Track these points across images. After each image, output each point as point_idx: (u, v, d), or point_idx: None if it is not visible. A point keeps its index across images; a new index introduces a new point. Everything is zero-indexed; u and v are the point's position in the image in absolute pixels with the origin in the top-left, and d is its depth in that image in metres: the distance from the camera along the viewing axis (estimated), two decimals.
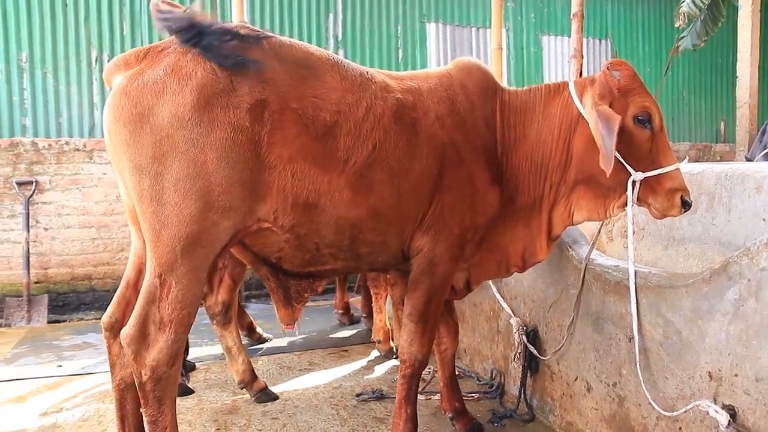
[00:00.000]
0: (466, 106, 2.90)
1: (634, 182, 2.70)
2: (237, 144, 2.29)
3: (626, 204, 2.75)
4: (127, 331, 2.41)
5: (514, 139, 2.95)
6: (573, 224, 3.00)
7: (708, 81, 11.09)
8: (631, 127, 2.70)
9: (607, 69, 2.76)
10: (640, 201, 2.77)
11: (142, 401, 2.46)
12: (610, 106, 2.68)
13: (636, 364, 2.68)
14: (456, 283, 3.16)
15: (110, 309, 2.70)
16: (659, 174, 2.71)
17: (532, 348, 3.47)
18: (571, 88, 2.87)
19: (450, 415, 3.45)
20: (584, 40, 7.07)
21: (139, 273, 2.67)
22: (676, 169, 2.73)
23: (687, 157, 3.12)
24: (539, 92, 2.99)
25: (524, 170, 2.95)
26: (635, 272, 2.75)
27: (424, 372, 4.15)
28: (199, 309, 5.03)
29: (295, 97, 2.41)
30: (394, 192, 2.65)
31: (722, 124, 11.16)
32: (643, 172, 2.69)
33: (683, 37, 9.26)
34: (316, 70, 2.51)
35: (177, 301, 2.35)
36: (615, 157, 2.59)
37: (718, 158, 10.60)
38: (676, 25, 8.57)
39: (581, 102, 2.79)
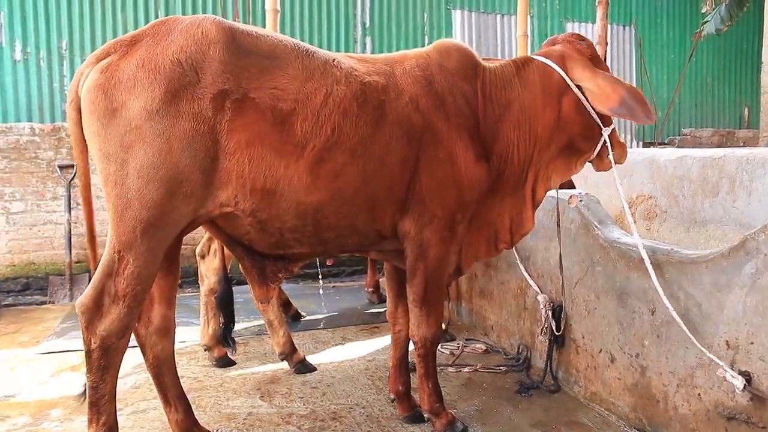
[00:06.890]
0: (445, 85, 2.92)
1: (605, 136, 3.06)
2: (199, 134, 2.41)
3: (588, 158, 3.17)
4: (82, 300, 2.50)
5: (500, 111, 3.02)
6: (552, 188, 3.25)
7: (732, 67, 11.08)
8: None
9: (575, 40, 3.14)
10: (599, 154, 3.13)
11: (86, 367, 2.55)
12: None
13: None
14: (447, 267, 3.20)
15: None
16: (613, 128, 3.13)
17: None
18: (541, 59, 3.07)
19: (392, 396, 3.46)
20: (608, 26, 7.15)
21: None
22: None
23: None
24: (509, 66, 3.13)
25: (513, 139, 3.03)
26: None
27: (453, 347, 4.43)
28: (237, 287, 5.30)
29: (254, 87, 2.50)
30: (359, 174, 2.69)
31: (746, 110, 11.18)
32: (605, 127, 3.06)
33: (707, 21, 9.30)
34: (279, 60, 2.59)
35: (132, 277, 2.46)
36: (592, 116, 3.00)
37: (741, 144, 10.62)
38: (703, 11, 8.59)
39: (566, 71, 3.02)
